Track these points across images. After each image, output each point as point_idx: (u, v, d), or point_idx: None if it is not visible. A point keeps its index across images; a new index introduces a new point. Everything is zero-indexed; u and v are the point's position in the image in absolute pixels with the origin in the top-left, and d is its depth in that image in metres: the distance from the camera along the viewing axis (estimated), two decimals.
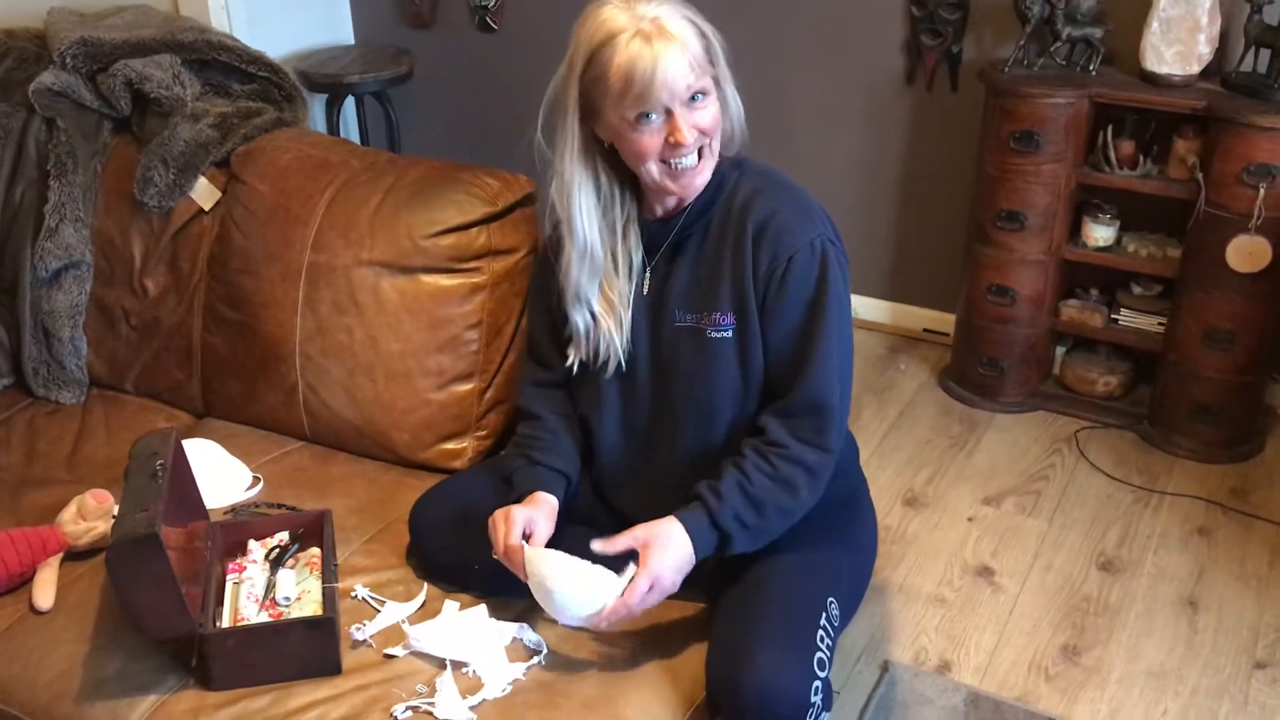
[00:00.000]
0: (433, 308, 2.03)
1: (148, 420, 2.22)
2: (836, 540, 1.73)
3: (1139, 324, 2.99)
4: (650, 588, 1.53)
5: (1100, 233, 2.93)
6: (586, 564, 1.57)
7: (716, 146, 1.59)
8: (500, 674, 1.59)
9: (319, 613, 1.61)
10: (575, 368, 1.73)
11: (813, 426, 1.59)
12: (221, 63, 2.34)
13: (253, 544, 1.74)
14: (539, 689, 1.59)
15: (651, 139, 1.55)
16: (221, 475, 1.96)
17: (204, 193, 2.20)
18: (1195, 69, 2.73)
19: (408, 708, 1.53)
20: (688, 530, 1.54)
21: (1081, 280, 3.06)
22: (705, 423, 1.68)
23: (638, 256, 1.67)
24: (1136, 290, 3.00)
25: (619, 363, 1.68)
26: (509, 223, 2.07)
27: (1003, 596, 2.46)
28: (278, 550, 1.72)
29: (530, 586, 1.58)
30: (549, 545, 1.63)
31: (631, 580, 1.53)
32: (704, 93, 1.53)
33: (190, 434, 2.13)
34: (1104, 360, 3.09)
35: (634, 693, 1.59)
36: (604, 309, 1.67)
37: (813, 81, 3.31)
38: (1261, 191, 2.59)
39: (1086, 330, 3.04)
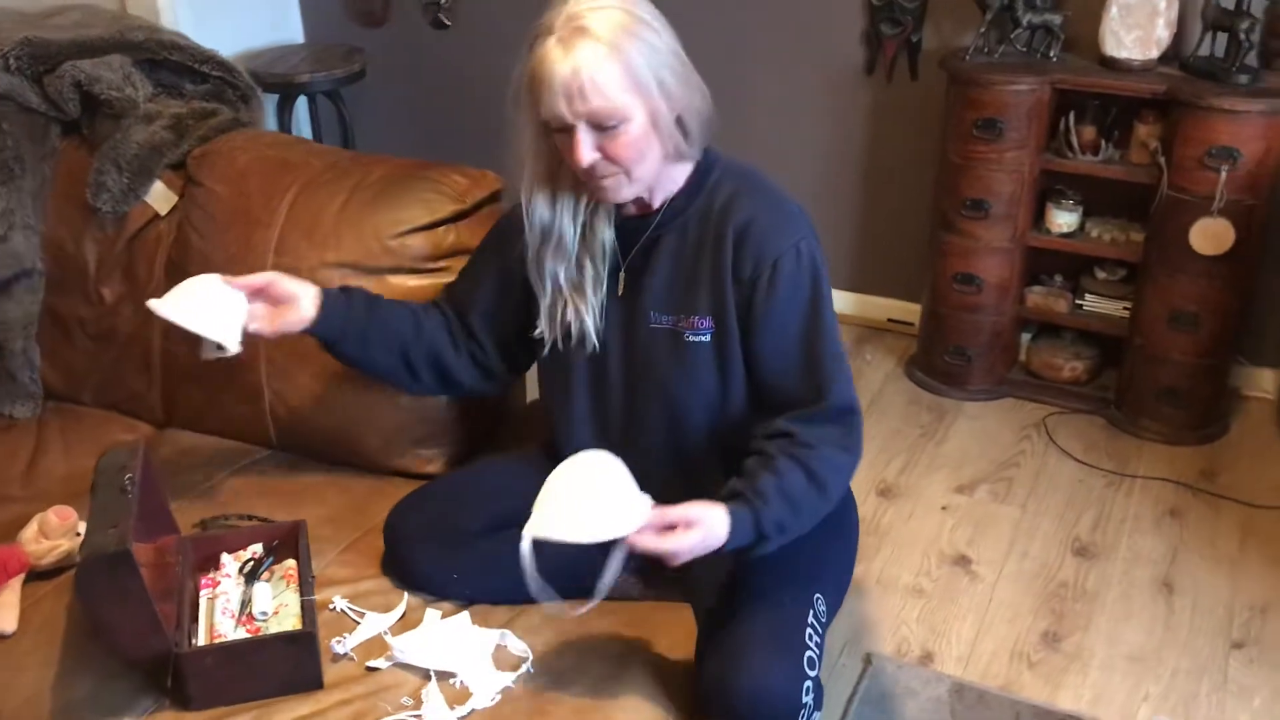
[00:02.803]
0: None
1: (107, 432, 2.15)
2: (820, 531, 1.71)
3: (1103, 309, 3.01)
4: (674, 527, 1.42)
5: (1064, 218, 2.94)
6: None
7: (642, 170, 1.52)
8: (488, 683, 1.55)
9: (298, 627, 1.56)
10: (547, 349, 1.68)
11: (843, 431, 1.56)
12: (173, 62, 2.27)
13: (225, 558, 1.68)
14: (527, 697, 1.55)
15: (563, 148, 1.51)
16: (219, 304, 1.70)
17: (160, 197, 2.14)
18: (1154, 53, 2.75)
19: None
20: (731, 523, 1.46)
21: (1046, 267, 3.07)
22: (677, 427, 1.65)
23: (609, 244, 1.63)
24: (1100, 275, 3.01)
25: (593, 345, 1.64)
26: (478, 220, 2.02)
27: (981, 585, 2.46)
28: (252, 563, 1.67)
29: (556, 492, 1.44)
30: None
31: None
32: (615, 119, 1.45)
33: (152, 445, 2.06)
34: (1069, 346, 3.10)
35: (624, 697, 1.56)
36: (572, 293, 1.63)
37: (773, 73, 3.29)
38: (1223, 174, 2.61)
39: (1052, 316, 3.06)
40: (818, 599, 1.59)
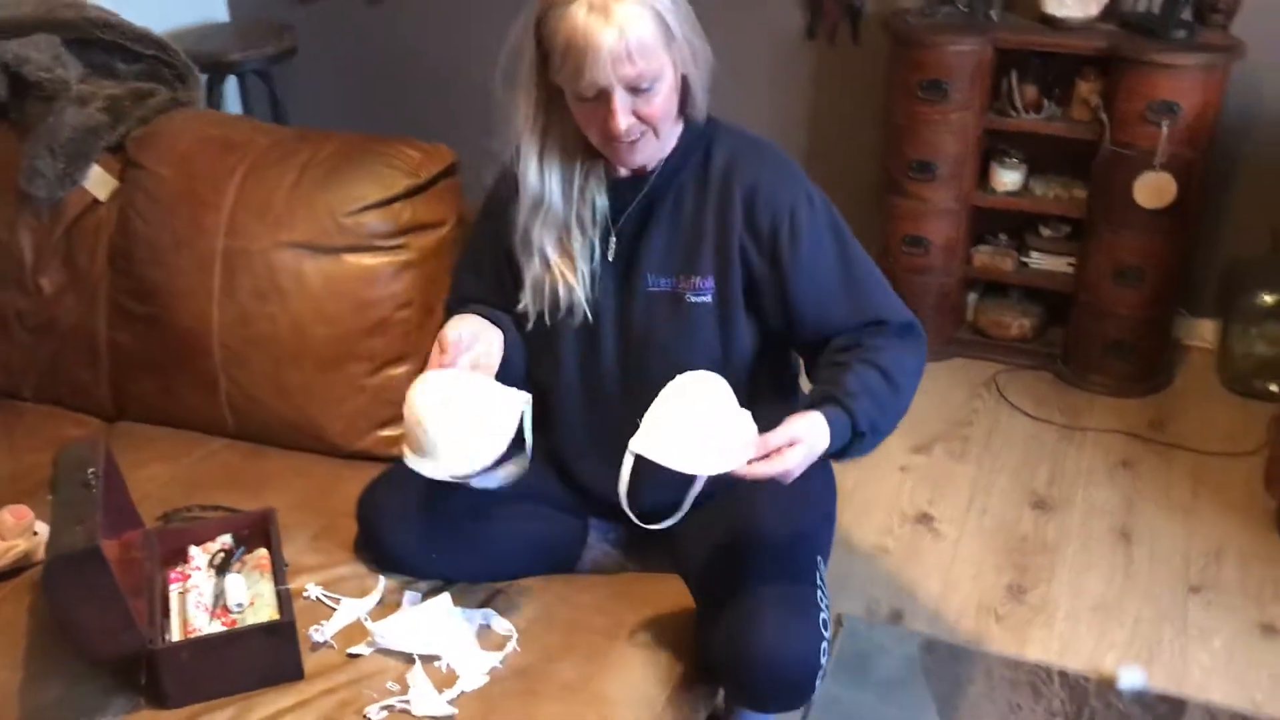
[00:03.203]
0: (360, 289, 1.93)
1: (54, 428, 2.08)
2: (811, 494, 1.71)
3: (1049, 266, 3.04)
4: (785, 448, 1.38)
5: (1008, 177, 2.96)
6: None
7: (667, 128, 1.52)
8: (475, 664, 1.53)
9: (275, 617, 1.52)
10: (531, 322, 1.64)
11: (912, 341, 1.58)
12: (104, 41, 2.18)
13: (194, 550, 1.63)
14: (515, 676, 1.53)
15: (588, 115, 1.49)
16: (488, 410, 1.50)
17: (99, 182, 2.06)
18: (1094, 10, 2.77)
19: (382, 708, 1.46)
20: (830, 427, 1.44)
21: (991, 226, 3.10)
22: None
23: (601, 209, 1.60)
24: (1045, 232, 3.05)
25: (585, 315, 1.61)
26: (433, 195, 1.98)
27: (944, 543, 2.49)
28: (222, 555, 1.62)
29: (670, 415, 1.39)
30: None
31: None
32: (652, 79, 1.44)
33: (112, 436, 1.99)
34: (1016, 304, 3.14)
35: (614, 671, 1.54)
36: (561, 262, 1.60)
37: (713, 40, 3.23)
38: (1164, 128, 2.65)
39: (999, 275, 3.09)
40: (819, 560, 1.59)
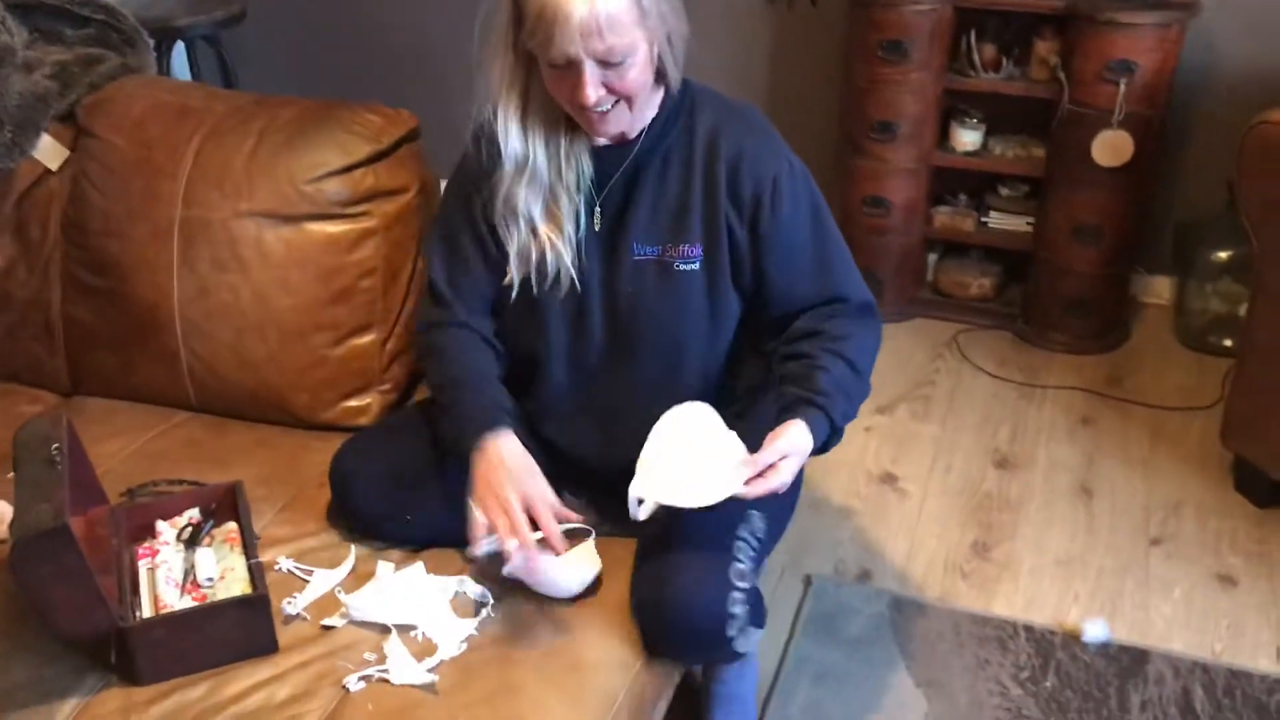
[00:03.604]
0: (323, 258, 1.90)
1: (9, 404, 2.03)
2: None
3: (1008, 225, 3.07)
4: (778, 462, 1.46)
5: (968, 137, 2.97)
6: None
7: (641, 100, 1.50)
8: (451, 632, 1.52)
9: (247, 590, 1.50)
10: (515, 292, 1.62)
11: (868, 323, 1.61)
12: (49, 6, 2.12)
13: (161, 525, 1.61)
14: (493, 644, 1.52)
15: (558, 82, 1.47)
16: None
17: (49, 151, 2.01)
18: None
19: (360, 678, 1.45)
20: (812, 431, 1.50)
21: (950, 187, 3.11)
22: (670, 359, 1.62)
23: (586, 175, 1.58)
24: (1004, 192, 3.06)
25: (572, 281, 1.59)
26: (396, 161, 1.95)
27: (909, 502, 2.51)
28: (191, 529, 1.60)
29: (662, 454, 1.48)
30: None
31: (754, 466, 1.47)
32: (623, 54, 1.42)
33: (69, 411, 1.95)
34: (976, 263, 3.16)
35: (590, 633, 1.54)
36: (548, 228, 1.58)
37: None
38: (1122, 87, 2.66)
39: (959, 235, 3.10)
40: (751, 514, 1.59)
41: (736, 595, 1.47)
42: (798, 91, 3.25)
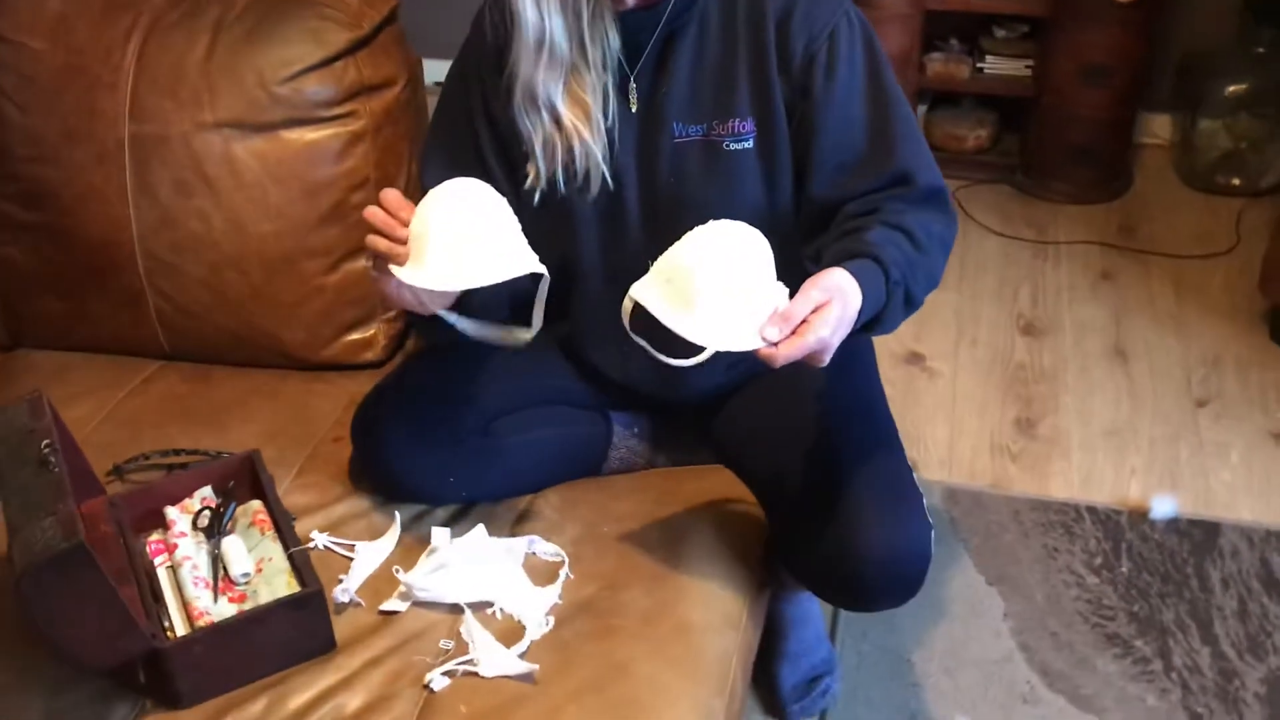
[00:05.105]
0: (305, 170, 1.62)
1: None
2: (865, 372, 1.54)
3: (1006, 70, 2.86)
4: (818, 308, 1.11)
5: None
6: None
7: None
8: (533, 605, 1.32)
9: (292, 584, 1.27)
10: (539, 195, 1.37)
11: (940, 207, 1.32)
12: None
13: (171, 512, 1.35)
14: (584, 613, 1.32)
15: None
16: None
17: None
18: None
19: (444, 674, 1.24)
20: (859, 280, 1.16)
21: (941, 32, 2.88)
22: None
23: (614, 46, 1.31)
24: (1000, 34, 2.85)
25: (604, 179, 1.35)
26: (379, 48, 1.65)
27: (940, 382, 2.35)
28: (208, 514, 1.35)
29: (689, 267, 1.13)
30: None
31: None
32: None
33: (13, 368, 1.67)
34: (970, 113, 2.96)
35: (690, 589, 1.35)
36: (574, 115, 1.32)
37: None
38: None
39: (955, 84, 2.89)
40: (894, 431, 1.42)
41: (933, 534, 1.31)
42: None
